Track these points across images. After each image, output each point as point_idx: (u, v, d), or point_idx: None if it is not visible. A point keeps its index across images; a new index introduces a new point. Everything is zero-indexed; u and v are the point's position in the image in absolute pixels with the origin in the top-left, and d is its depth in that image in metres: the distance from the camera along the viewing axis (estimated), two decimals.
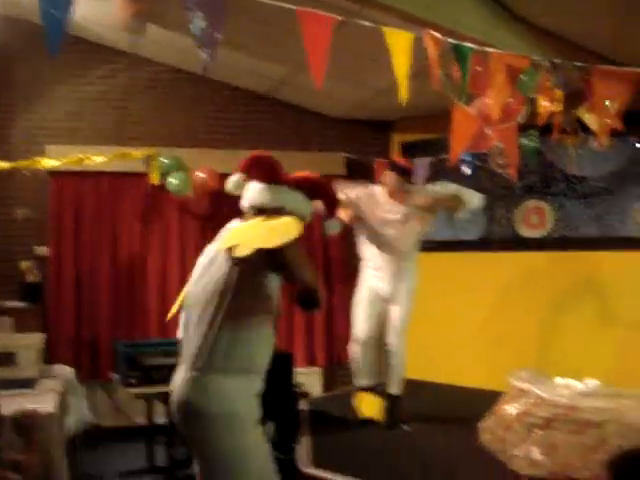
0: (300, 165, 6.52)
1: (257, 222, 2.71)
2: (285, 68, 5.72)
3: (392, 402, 5.03)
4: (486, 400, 4.64)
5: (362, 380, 5.19)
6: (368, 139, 7.06)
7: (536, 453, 4.12)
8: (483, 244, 6.57)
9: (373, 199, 4.92)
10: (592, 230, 6.00)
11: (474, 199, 4.84)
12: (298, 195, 2.85)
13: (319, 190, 2.89)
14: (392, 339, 5.03)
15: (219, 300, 2.68)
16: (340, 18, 2.72)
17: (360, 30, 3.08)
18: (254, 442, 2.77)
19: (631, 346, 5.70)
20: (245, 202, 2.88)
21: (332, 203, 2.94)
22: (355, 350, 5.13)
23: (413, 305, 5.07)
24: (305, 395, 5.38)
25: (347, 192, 4.86)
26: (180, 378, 2.77)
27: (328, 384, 6.71)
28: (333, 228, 2.96)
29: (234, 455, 2.67)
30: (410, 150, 6.89)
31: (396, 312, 5.02)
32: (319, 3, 3.11)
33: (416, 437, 4.80)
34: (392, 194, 4.88)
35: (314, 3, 2.93)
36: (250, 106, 6.73)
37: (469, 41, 3.21)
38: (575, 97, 3.63)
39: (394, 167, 4.93)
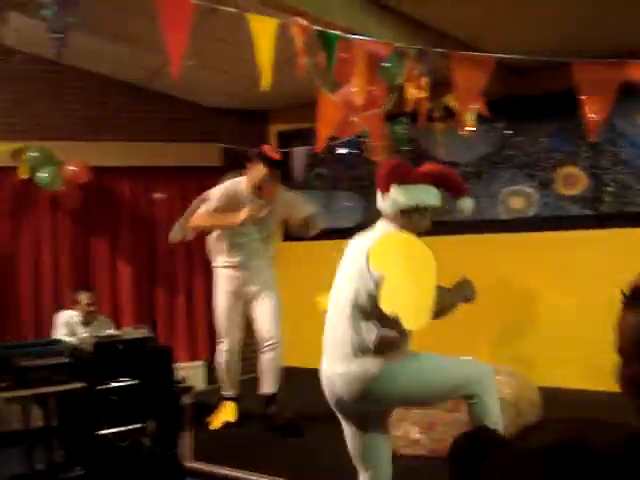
0: (174, 156, 6.50)
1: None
2: (157, 57, 5.58)
3: (273, 401, 4.99)
4: None
5: (230, 390, 5.17)
6: (245, 129, 7.01)
7: (414, 432, 4.22)
8: (361, 231, 6.63)
9: (236, 196, 4.81)
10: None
11: (320, 223, 4.96)
12: (429, 189, 2.96)
13: (443, 179, 3.03)
14: (269, 336, 4.97)
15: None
16: (198, 2, 2.66)
17: (231, 18, 3.05)
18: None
19: (506, 325, 5.93)
20: (386, 208, 3.05)
21: (457, 186, 3.10)
22: (224, 360, 5.09)
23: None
24: (188, 389, 5.28)
25: (208, 204, 4.84)
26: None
27: (212, 377, 6.63)
28: (467, 206, 3.13)
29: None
30: (287, 140, 6.89)
31: (267, 309, 4.99)
32: None
33: (300, 426, 4.82)
34: (258, 188, 4.76)
35: None
36: (123, 96, 6.54)
37: (335, 29, 3.21)
38: (443, 85, 3.71)
39: (264, 159, 4.72)
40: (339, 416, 3.10)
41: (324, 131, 3.41)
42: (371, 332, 2.86)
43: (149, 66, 5.82)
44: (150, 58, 5.48)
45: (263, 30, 2.85)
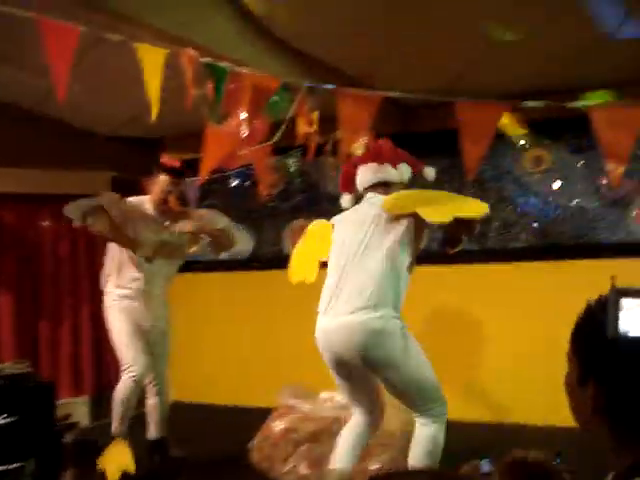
0: (62, 184, 6.30)
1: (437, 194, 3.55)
2: (46, 81, 5.44)
3: (163, 445, 4.74)
4: (259, 419, 4.65)
5: (122, 427, 4.57)
6: (136, 157, 6.87)
7: (303, 467, 4.20)
8: (252, 263, 6.62)
9: (138, 212, 4.51)
10: None
11: (244, 241, 4.80)
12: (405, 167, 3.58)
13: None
14: (161, 371, 4.71)
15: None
16: (83, 29, 2.60)
17: (122, 46, 3.00)
18: None
19: None
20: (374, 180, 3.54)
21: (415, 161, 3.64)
22: (128, 391, 4.49)
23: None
24: (71, 426, 5.10)
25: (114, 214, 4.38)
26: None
27: (97, 412, 6.41)
28: (431, 174, 3.66)
29: None
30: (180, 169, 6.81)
31: (164, 342, 4.71)
32: (69, 15, 2.98)
33: (187, 462, 4.72)
34: (163, 202, 4.49)
35: (64, 15, 2.81)
36: (9, 120, 6.31)
37: (225, 61, 3.21)
38: (335, 119, 3.75)
39: (164, 169, 4.55)
40: (333, 368, 3.50)
41: (209, 162, 3.39)
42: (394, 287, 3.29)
43: (38, 91, 5.65)
44: (38, 82, 5.32)
45: (152, 60, 2.81)
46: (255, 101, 3.21)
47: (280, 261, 6.48)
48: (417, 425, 3.43)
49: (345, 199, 3.77)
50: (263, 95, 3.23)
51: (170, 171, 4.53)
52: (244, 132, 3.27)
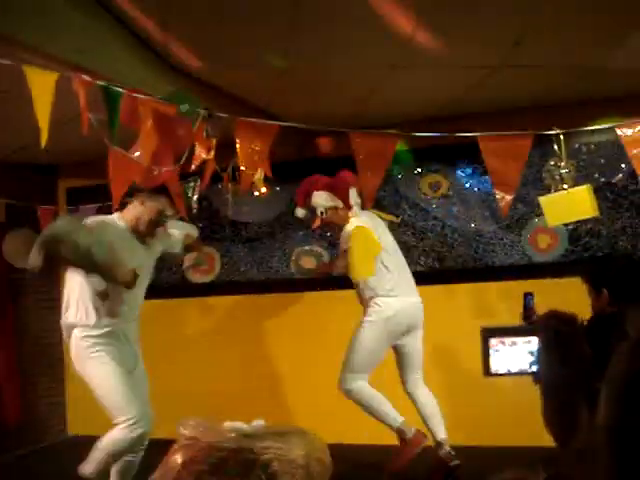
0: None
1: None
2: None
3: None
4: (160, 452, 4.52)
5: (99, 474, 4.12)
6: (32, 185, 6.67)
7: None
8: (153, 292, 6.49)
9: (117, 237, 3.92)
10: (255, 273, 6.22)
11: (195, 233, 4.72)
12: None
13: None
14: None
15: None
16: None
17: (12, 70, 2.91)
18: None
19: (304, 383, 6.00)
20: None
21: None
22: (127, 445, 4.10)
23: None
24: None
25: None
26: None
27: None
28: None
29: None
30: (76, 196, 6.66)
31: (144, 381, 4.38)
32: None
33: None
34: (150, 226, 3.99)
35: None
36: None
37: (121, 87, 3.15)
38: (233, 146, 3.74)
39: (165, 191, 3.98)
40: (397, 337, 4.74)
41: (117, 187, 3.30)
42: None
43: None
44: None
45: (42, 84, 2.73)
46: (155, 126, 3.16)
47: (181, 289, 6.43)
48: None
49: (301, 212, 4.91)
50: (162, 120, 3.17)
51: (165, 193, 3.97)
52: (146, 159, 3.22)
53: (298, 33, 3.68)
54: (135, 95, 3.12)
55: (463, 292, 5.67)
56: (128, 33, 3.74)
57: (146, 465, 4.53)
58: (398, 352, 4.82)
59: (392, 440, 4.89)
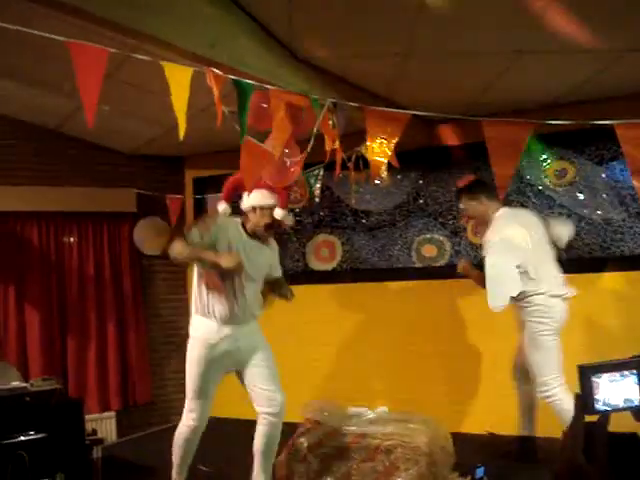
0: (87, 201, 6.38)
1: None
2: (71, 102, 5.51)
3: None
4: (286, 434, 4.64)
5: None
6: (161, 175, 6.95)
7: None
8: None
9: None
10: (378, 261, 6.25)
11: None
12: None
13: None
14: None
15: None
16: (112, 50, 2.64)
17: (146, 66, 3.04)
18: None
19: (424, 372, 5.99)
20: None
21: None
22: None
23: None
24: (98, 442, 5.13)
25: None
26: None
27: (123, 429, 6.46)
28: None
29: None
30: (202, 186, 6.88)
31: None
32: (97, 36, 3.03)
33: (213, 476, 4.73)
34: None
35: (91, 36, 2.85)
36: (33, 140, 6.39)
37: (251, 79, 3.23)
38: (358, 134, 3.77)
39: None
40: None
41: (249, 177, 3.40)
42: None
43: (63, 110, 5.73)
44: (64, 102, 5.40)
45: (178, 79, 2.84)
46: (286, 117, 3.23)
47: (303, 276, 6.54)
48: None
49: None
50: (292, 111, 3.24)
51: None
52: (278, 150, 3.30)
53: (422, 18, 3.67)
54: (265, 86, 3.19)
55: (589, 282, 5.50)
56: (256, 26, 3.84)
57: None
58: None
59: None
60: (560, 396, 4.14)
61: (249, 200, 4.14)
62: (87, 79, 2.51)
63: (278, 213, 4.12)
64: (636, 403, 1.07)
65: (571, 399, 2.42)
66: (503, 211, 4.56)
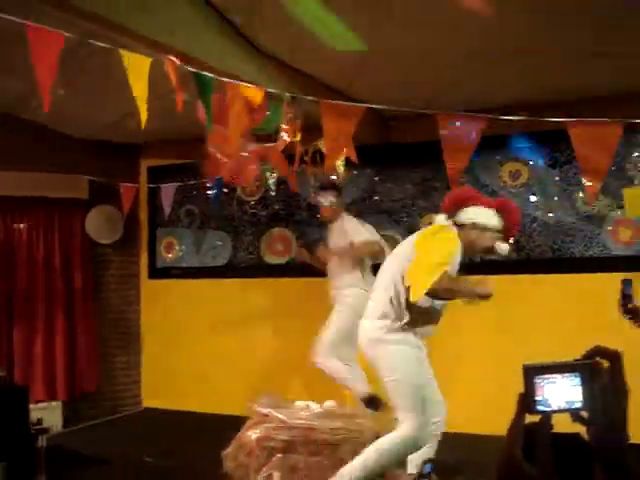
0: (38, 186, 6.26)
1: None
2: (24, 85, 5.40)
3: None
4: (237, 427, 4.63)
5: None
6: (115, 162, 6.84)
7: (276, 476, 4.19)
8: (229, 270, 6.62)
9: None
10: None
11: None
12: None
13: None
14: None
15: None
16: (70, 35, 2.60)
17: (104, 52, 3.00)
18: None
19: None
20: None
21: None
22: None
23: None
24: (43, 431, 5.06)
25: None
26: None
27: (70, 418, 6.37)
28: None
29: None
30: (157, 175, 6.81)
31: None
32: (55, 20, 2.98)
33: (158, 468, 4.71)
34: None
35: (49, 20, 2.80)
36: None
37: (209, 70, 3.22)
38: (316, 129, 3.77)
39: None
40: None
41: (212, 167, 3.39)
42: None
43: (14, 94, 5.61)
44: (15, 85, 5.29)
45: (137, 67, 2.82)
46: (242, 110, 3.22)
47: (256, 269, 6.53)
48: None
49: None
50: (249, 104, 3.23)
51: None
52: (234, 141, 3.29)
53: (382, 15, 3.68)
54: (224, 79, 3.18)
55: (539, 283, 5.58)
56: (218, 16, 3.81)
57: (219, 440, 4.65)
58: None
59: (476, 430, 4.90)
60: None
61: (474, 216, 3.72)
62: (43, 63, 2.47)
63: (502, 249, 3.72)
64: (576, 405, 1.10)
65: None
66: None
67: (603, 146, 3.12)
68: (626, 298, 3.48)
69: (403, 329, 3.66)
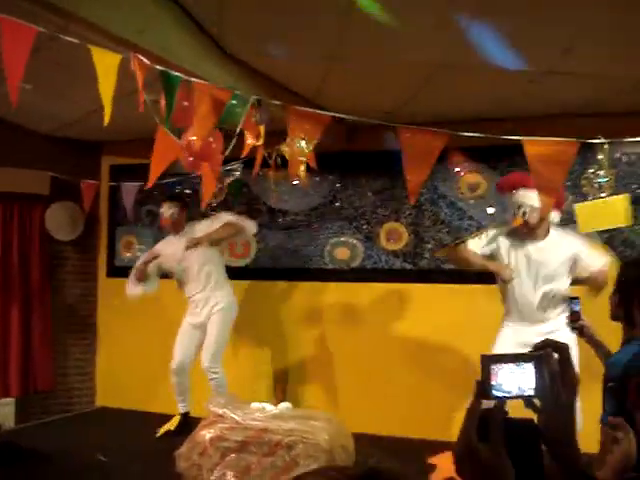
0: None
1: None
2: None
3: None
4: (193, 428, 4.64)
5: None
6: (76, 159, 6.80)
7: (230, 476, 4.23)
8: None
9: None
10: (292, 261, 6.32)
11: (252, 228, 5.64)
12: None
13: None
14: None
15: None
16: (41, 29, 2.61)
17: (73, 48, 3.00)
18: None
19: (336, 371, 6.09)
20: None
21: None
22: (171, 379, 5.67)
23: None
24: None
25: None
26: None
27: (23, 416, 6.31)
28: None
29: None
30: (119, 173, 6.79)
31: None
32: (26, 12, 2.98)
33: (112, 467, 4.70)
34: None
35: (19, 11, 2.81)
36: None
37: (178, 70, 3.25)
38: (280, 134, 3.81)
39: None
40: None
41: (157, 168, 3.40)
42: None
43: None
44: None
45: (106, 64, 2.84)
46: (209, 111, 3.25)
47: None
48: None
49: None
50: (216, 106, 3.26)
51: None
52: (198, 143, 3.32)
53: (348, 25, 3.74)
54: (192, 79, 3.21)
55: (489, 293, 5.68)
56: (186, 17, 3.84)
57: (174, 440, 4.67)
58: None
59: (419, 434, 4.96)
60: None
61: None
62: (13, 56, 2.49)
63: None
64: (528, 392, 1.20)
65: None
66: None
67: (557, 164, 3.22)
68: (574, 315, 3.62)
69: None
